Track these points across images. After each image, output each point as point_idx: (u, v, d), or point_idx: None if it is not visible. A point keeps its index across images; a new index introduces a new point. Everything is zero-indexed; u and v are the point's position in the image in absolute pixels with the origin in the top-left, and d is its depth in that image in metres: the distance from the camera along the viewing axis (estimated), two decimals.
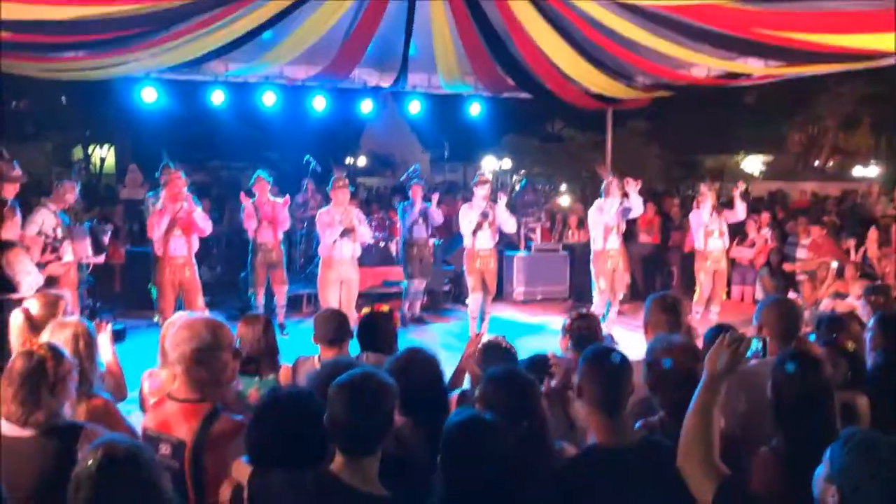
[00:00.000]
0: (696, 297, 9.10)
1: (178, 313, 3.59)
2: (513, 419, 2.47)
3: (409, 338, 9.10)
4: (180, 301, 7.94)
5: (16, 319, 3.75)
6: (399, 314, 9.76)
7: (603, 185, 9.06)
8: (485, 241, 8.63)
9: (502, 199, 8.61)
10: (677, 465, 2.27)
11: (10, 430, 2.60)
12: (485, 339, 3.67)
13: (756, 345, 2.34)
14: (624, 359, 2.60)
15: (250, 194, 9.15)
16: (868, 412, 3.24)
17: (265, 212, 9.01)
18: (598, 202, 9.03)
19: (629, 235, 10.42)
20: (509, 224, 8.78)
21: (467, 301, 9.02)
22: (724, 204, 9.94)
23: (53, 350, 2.76)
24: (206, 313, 2.96)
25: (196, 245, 8.07)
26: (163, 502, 2.14)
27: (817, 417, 2.47)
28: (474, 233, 8.59)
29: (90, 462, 2.07)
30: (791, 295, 9.21)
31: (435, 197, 9.91)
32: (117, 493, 2.06)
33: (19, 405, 2.60)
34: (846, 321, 4.12)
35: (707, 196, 9.02)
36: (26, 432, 2.59)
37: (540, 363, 3.41)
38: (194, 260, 8.07)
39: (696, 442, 2.24)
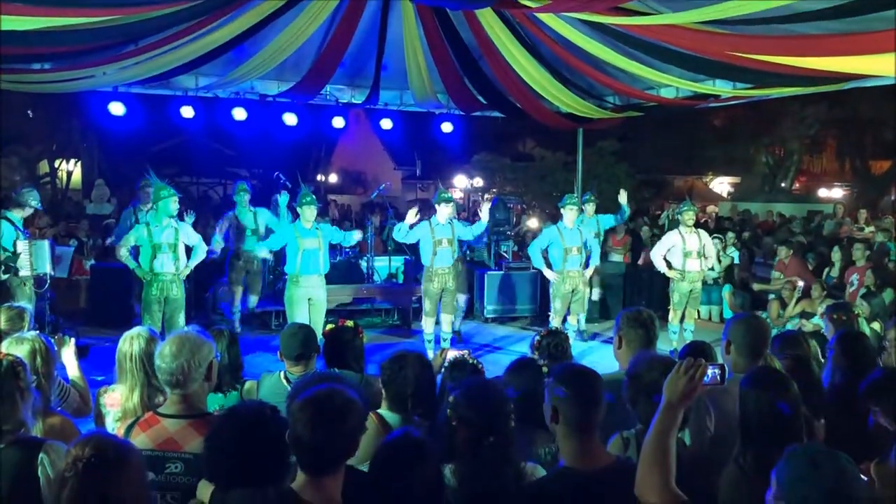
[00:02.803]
0: (671, 316, 9.06)
1: (137, 328, 3.49)
2: (481, 433, 2.46)
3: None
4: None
5: None
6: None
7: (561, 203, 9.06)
8: (445, 259, 8.45)
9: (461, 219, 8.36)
10: (635, 494, 2.23)
11: None
12: (451, 355, 3.62)
13: (712, 371, 2.32)
14: (599, 376, 2.56)
15: (232, 205, 9.15)
16: (822, 430, 3.25)
17: (247, 222, 9.02)
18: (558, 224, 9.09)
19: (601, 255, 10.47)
20: (467, 232, 8.66)
21: (423, 324, 8.74)
22: (701, 224, 9.96)
23: (18, 358, 2.71)
24: (190, 328, 2.93)
25: (184, 260, 7.81)
26: (148, 499, 2.10)
27: (785, 433, 2.47)
28: (434, 251, 8.42)
29: (77, 455, 2.01)
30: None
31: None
32: (107, 486, 2.01)
33: None
34: (800, 338, 4.11)
35: (686, 216, 9.01)
36: None
37: (527, 367, 3.34)
38: (181, 276, 7.82)
39: (653, 469, 2.20)
